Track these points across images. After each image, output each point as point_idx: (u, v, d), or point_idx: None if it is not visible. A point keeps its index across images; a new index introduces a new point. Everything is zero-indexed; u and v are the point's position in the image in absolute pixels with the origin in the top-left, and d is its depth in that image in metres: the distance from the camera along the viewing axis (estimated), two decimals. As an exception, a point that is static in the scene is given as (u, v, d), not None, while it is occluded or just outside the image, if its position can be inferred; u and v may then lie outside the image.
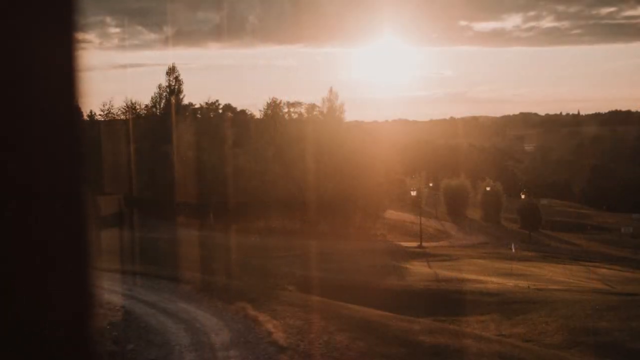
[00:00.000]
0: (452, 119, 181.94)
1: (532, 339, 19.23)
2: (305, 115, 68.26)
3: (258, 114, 72.72)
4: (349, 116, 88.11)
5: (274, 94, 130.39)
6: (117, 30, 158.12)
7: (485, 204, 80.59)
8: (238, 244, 37.64)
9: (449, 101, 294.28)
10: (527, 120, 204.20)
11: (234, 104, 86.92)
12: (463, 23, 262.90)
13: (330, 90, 64.71)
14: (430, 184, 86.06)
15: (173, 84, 63.39)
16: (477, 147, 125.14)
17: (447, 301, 24.87)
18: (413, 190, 66.44)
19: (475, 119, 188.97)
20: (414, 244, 54.73)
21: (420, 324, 16.06)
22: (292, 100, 70.16)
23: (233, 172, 50.46)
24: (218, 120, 68.73)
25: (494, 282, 30.96)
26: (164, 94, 63.34)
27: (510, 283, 31.07)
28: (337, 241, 48.94)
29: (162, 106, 63.40)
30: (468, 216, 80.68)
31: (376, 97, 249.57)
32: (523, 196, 79.74)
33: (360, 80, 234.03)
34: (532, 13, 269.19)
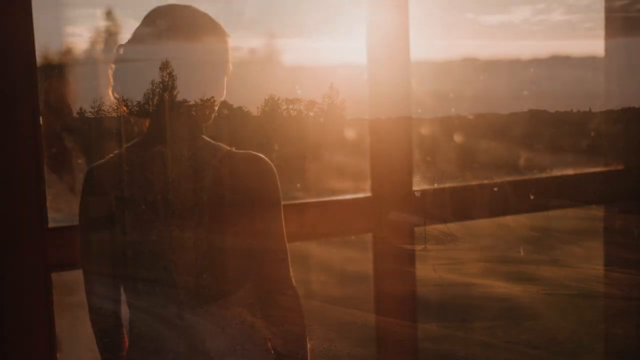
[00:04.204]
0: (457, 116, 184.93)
1: (542, 346, 18.83)
2: (305, 112, 69.00)
3: (255, 111, 73.78)
4: (350, 114, 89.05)
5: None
6: (108, 23, 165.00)
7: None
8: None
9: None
10: (536, 117, 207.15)
11: (230, 101, 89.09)
12: (469, 16, 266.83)
13: (331, 87, 65.06)
14: (435, 184, 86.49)
15: (167, 79, 64.57)
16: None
17: (453, 306, 24.42)
18: (417, 190, 66.54)
19: (481, 116, 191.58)
20: (418, 247, 54.77)
21: (424, 331, 15.57)
22: (290, 97, 71.28)
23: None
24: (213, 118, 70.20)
25: (501, 287, 30.57)
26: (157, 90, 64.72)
27: (518, 287, 30.69)
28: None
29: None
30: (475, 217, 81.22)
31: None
32: (532, 197, 79.84)
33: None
34: (541, 5, 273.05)
